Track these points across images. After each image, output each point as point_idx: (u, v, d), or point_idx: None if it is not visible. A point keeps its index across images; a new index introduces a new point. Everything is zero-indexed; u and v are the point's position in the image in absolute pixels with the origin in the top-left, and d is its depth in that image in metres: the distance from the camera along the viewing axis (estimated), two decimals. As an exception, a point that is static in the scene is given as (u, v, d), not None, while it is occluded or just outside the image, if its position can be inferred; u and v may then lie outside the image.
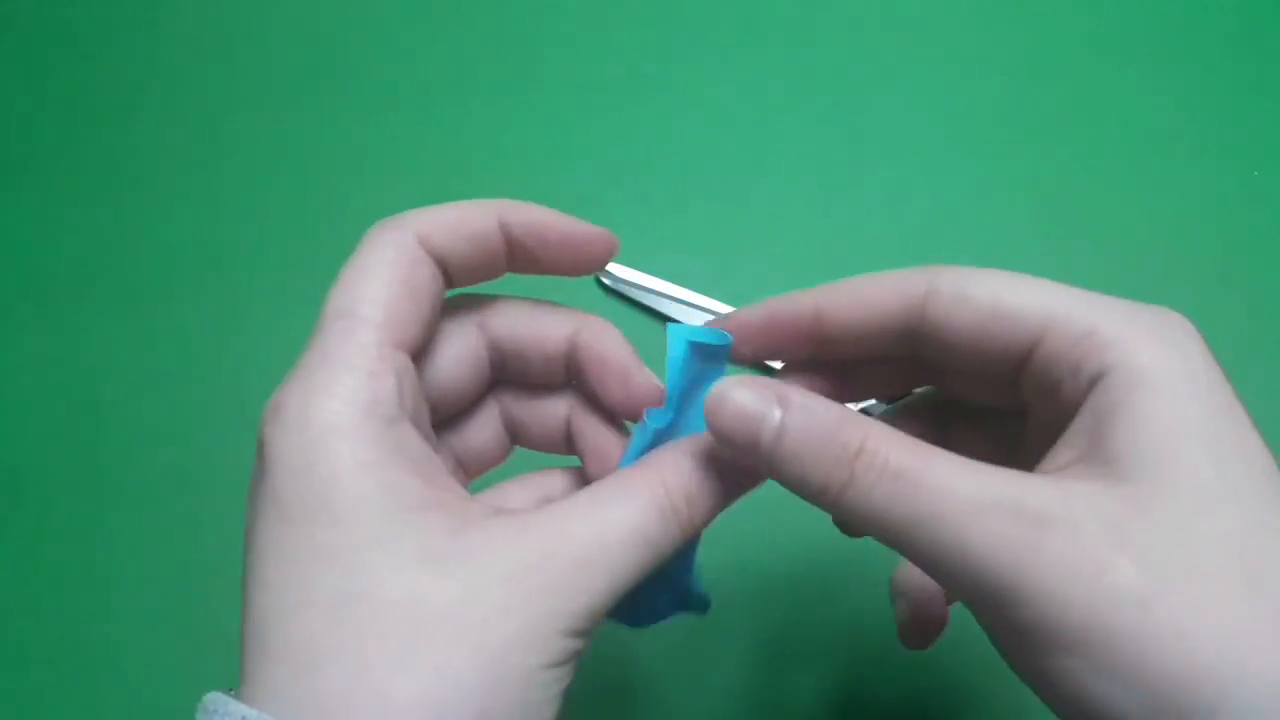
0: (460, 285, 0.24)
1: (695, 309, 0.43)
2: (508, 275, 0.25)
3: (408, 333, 0.22)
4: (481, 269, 0.24)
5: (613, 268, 0.43)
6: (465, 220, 0.23)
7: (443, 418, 0.25)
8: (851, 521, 0.20)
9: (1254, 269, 0.44)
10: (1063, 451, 0.21)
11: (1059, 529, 0.18)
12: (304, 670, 0.18)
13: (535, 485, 0.27)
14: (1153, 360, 0.20)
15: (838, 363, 0.26)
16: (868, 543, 0.22)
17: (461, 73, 0.50)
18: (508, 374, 0.26)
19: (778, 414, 0.20)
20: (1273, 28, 0.50)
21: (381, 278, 0.22)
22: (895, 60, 0.50)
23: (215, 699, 0.18)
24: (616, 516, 0.21)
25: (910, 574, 0.29)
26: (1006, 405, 0.25)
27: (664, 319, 0.43)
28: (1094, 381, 0.21)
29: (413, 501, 0.20)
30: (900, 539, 0.20)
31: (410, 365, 0.22)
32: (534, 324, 0.24)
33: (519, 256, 0.24)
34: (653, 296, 0.43)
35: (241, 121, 0.49)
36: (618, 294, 0.44)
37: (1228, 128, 0.48)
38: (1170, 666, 0.18)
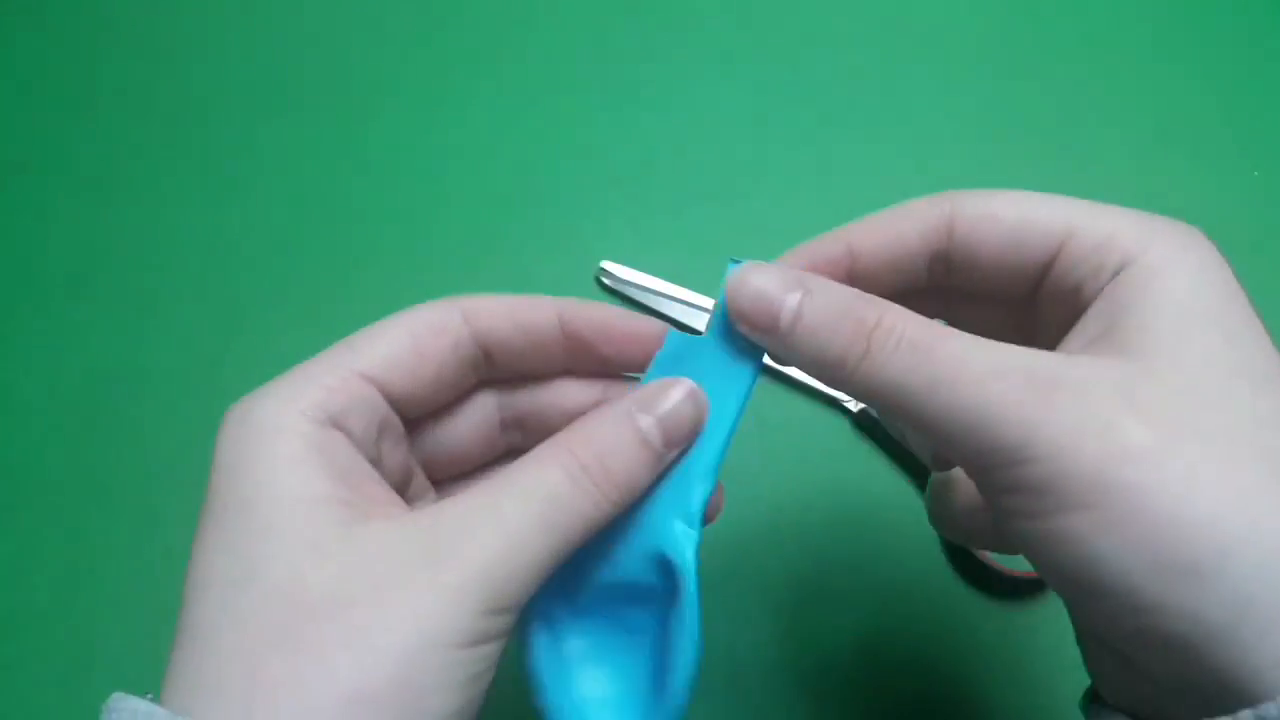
0: (508, 370, 0.25)
1: (694, 308, 0.43)
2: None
3: (395, 381, 0.23)
4: (531, 358, 0.25)
5: (611, 267, 0.43)
6: (519, 309, 0.24)
7: (425, 412, 0.25)
8: (865, 391, 0.21)
9: (1254, 269, 0.44)
10: (1075, 339, 0.22)
11: (1069, 390, 0.19)
12: (194, 652, 0.19)
13: None
14: (1169, 256, 0.21)
15: None
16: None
17: (462, 73, 0.50)
18: (499, 368, 0.25)
19: (796, 296, 0.21)
20: (1272, 28, 0.50)
21: (396, 330, 0.23)
22: (895, 60, 0.50)
23: (116, 696, 0.19)
24: (517, 483, 0.21)
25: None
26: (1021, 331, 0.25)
27: (663, 319, 0.43)
28: (1113, 277, 0.22)
29: (316, 495, 0.20)
30: (913, 404, 0.20)
31: (377, 398, 0.23)
32: (518, 312, 0.25)
33: (579, 351, 0.25)
34: (651, 296, 0.43)
35: (242, 121, 0.49)
36: (617, 294, 0.44)
37: (1228, 128, 0.48)
38: (1176, 520, 0.18)
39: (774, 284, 0.21)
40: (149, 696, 0.19)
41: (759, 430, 0.40)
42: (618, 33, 0.51)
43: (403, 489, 0.25)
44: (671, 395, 0.23)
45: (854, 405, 0.40)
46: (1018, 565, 0.37)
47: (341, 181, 0.47)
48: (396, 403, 0.23)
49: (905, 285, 0.25)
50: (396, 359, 0.23)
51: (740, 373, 0.24)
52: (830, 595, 0.37)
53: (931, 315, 0.26)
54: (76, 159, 0.48)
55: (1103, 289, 0.22)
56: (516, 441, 0.27)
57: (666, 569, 0.23)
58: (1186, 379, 0.19)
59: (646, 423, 0.22)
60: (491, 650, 0.20)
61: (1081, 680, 0.23)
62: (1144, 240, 0.22)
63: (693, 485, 0.23)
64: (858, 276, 0.25)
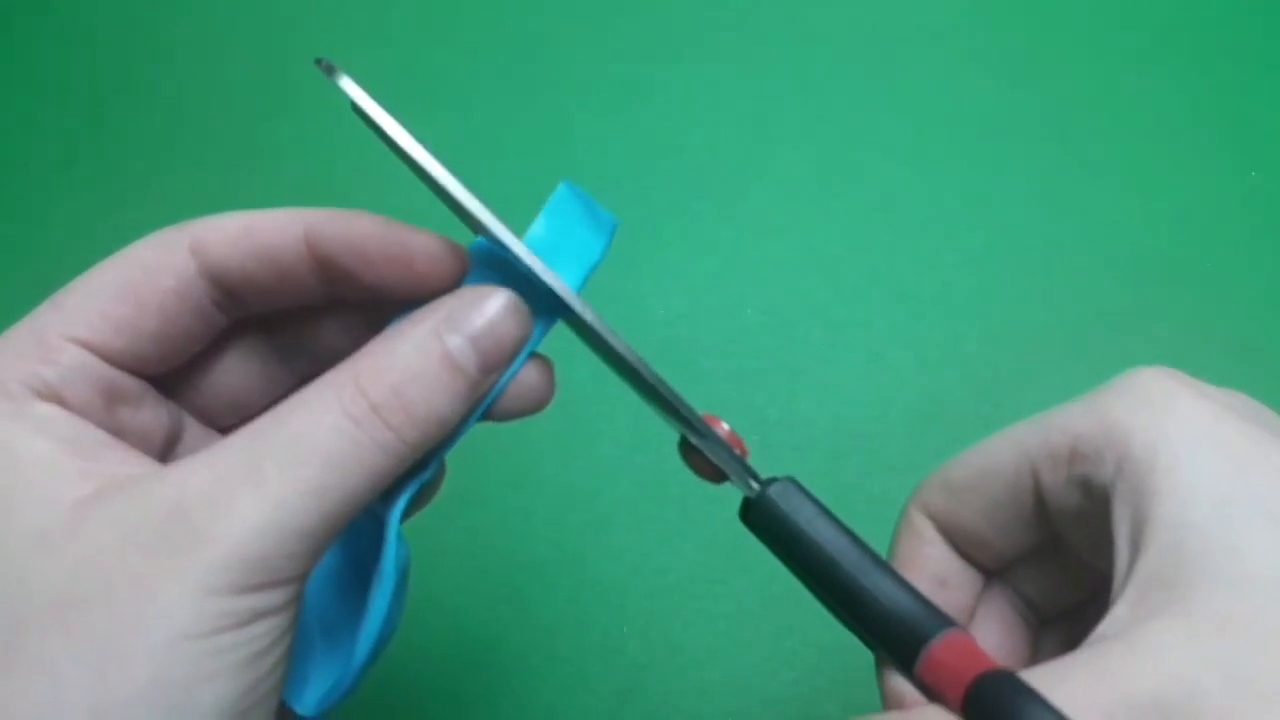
0: (257, 309, 0.21)
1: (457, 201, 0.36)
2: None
3: (111, 341, 0.19)
4: (278, 290, 0.20)
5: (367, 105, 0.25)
6: (252, 231, 0.20)
7: (170, 365, 0.21)
8: None
9: (1252, 269, 0.44)
10: (1118, 589, 0.18)
11: (1181, 715, 0.15)
12: None
13: None
14: (1150, 444, 0.18)
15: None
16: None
17: (462, 73, 0.50)
18: (248, 305, 0.21)
19: None
20: (1271, 28, 0.50)
21: (106, 279, 0.19)
22: (894, 61, 0.50)
23: None
24: (285, 434, 0.17)
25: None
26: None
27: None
28: (1107, 495, 0.18)
29: (37, 478, 0.17)
30: None
31: (93, 363, 0.19)
32: (254, 235, 0.20)
33: (338, 280, 0.20)
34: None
35: (243, 121, 0.49)
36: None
37: (1225, 128, 0.48)
38: None
39: None
40: None
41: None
42: (618, 33, 0.51)
43: (167, 451, 0.21)
44: (487, 306, 0.19)
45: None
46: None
47: (341, 181, 0.47)
48: (121, 363, 0.20)
49: (974, 579, 0.22)
50: (109, 314, 0.19)
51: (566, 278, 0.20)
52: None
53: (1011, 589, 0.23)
54: (77, 159, 0.48)
55: (1105, 508, 0.18)
56: (309, 372, 0.22)
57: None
58: (1257, 607, 0.15)
59: (456, 343, 0.18)
60: (267, 627, 0.17)
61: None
62: (1111, 434, 0.18)
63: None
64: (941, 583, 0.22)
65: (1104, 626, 0.17)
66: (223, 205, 0.50)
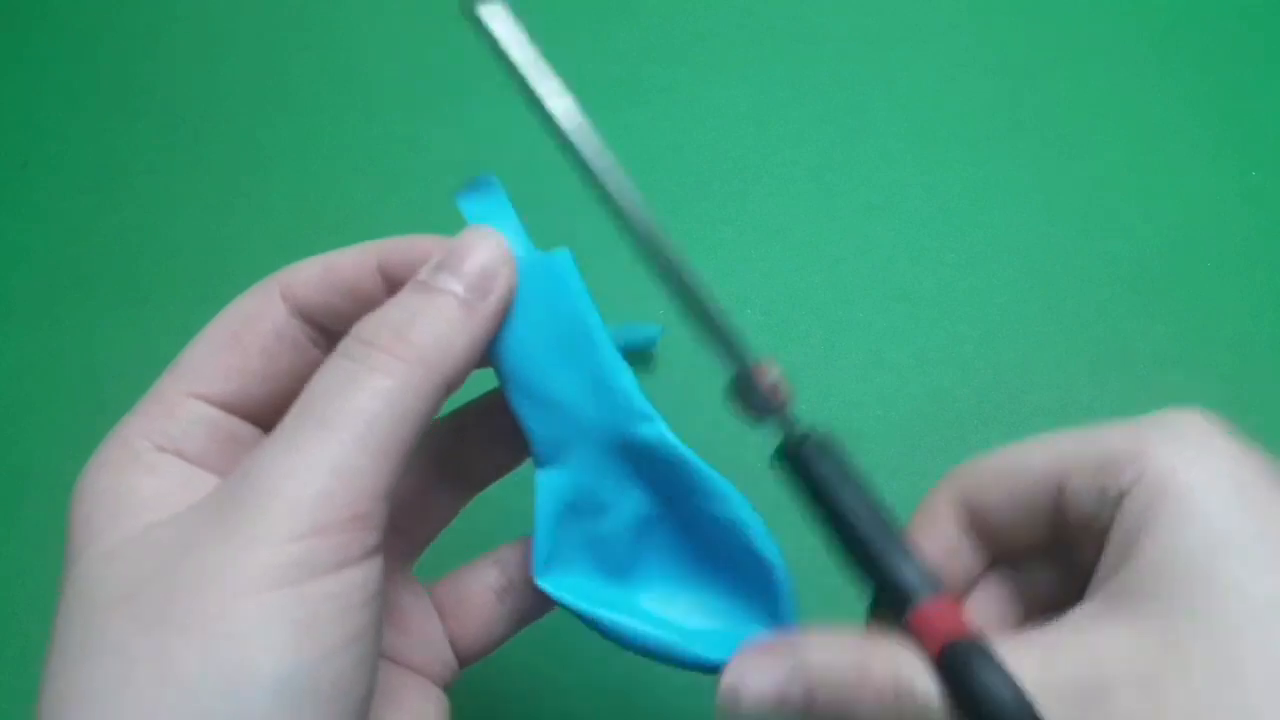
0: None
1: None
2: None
3: (223, 389, 0.21)
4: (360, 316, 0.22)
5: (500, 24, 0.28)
6: (332, 269, 0.22)
7: (283, 404, 0.22)
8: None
9: (1252, 269, 0.44)
10: (1096, 587, 0.20)
11: (1096, 707, 0.17)
12: (50, 676, 0.18)
13: None
14: (1171, 468, 0.19)
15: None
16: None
17: (462, 73, 0.50)
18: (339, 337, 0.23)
19: (798, 690, 0.19)
20: (1271, 28, 0.50)
21: (214, 335, 0.22)
22: (894, 61, 0.50)
23: None
24: (303, 395, 0.19)
25: None
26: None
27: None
28: (1117, 504, 0.19)
29: (132, 505, 0.19)
30: None
31: (210, 413, 0.21)
32: (334, 273, 0.22)
33: None
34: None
35: (244, 121, 0.49)
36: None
37: (1225, 128, 0.48)
38: None
39: (770, 684, 0.20)
40: None
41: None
42: (618, 33, 0.51)
43: None
44: (461, 241, 0.21)
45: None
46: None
47: (342, 181, 0.47)
48: (236, 409, 0.21)
49: (977, 561, 0.23)
50: (219, 364, 0.21)
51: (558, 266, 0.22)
52: None
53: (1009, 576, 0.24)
54: (77, 159, 0.48)
55: (1113, 518, 0.19)
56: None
57: (654, 476, 0.22)
58: (1211, 647, 0.17)
59: (439, 277, 0.20)
60: (336, 585, 0.17)
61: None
62: (1142, 452, 0.19)
63: (615, 390, 0.21)
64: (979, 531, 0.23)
65: (1068, 615, 0.19)
66: (223, 205, 0.50)
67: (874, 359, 0.42)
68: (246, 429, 0.22)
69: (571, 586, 0.22)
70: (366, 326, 0.19)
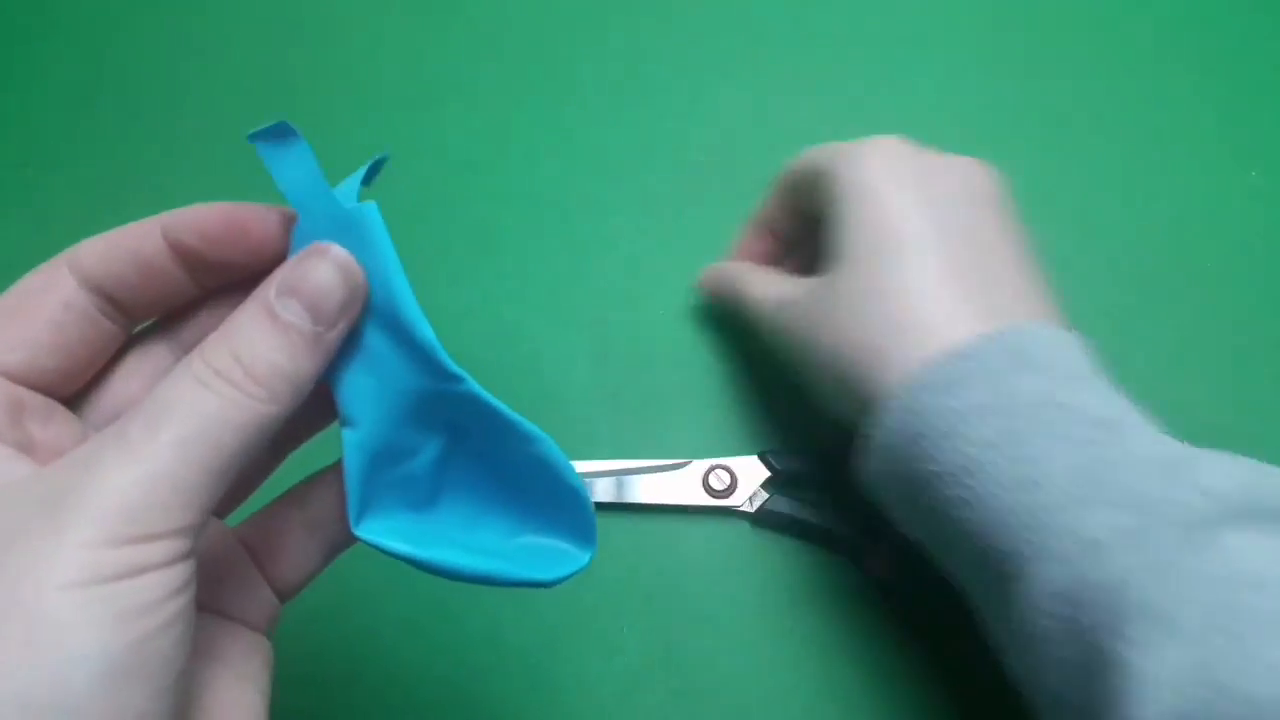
0: (143, 313, 0.23)
1: None
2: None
3: (5, 355, 0.21)
4: (157, 289, 0.22)
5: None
6: (118, 239, 0.22)
7: (76, 379, 0.23)
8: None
9: (1252, 269, 0.44)
10: (824, 256, 0.33)
11: (787, 310, 0.34)
12: None
13: None
14: (841, 184, 0.33)
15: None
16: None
17: (462, 73, 0.50)
18: (134, 311, 0.23)
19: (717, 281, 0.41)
20: (1270, 28, 0.51)
21: (3, 306, 0.22)
22: (894, 61, 0.50)
23: None
24: (146, 405, 0.19)
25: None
26: None
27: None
28: (829, 203, 0.33)
29: None
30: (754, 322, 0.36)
31: None
32: (120, 245, 0.22)
33: (196, 266, 0.22)
34: None
35: (242, 121, 0.49)
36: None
37: (1225, 128, 0.48)
38: (851, 337, 0.31)
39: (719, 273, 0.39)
40: None
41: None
42: (618, 34, 0.51)
43: None
44: (311, 268, 0.20)
45: (749, 506, 0.38)
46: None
47: (341, 181, 0.47)
48: (24, 379, 0.21)
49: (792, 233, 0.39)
50: (5, 337, 0.21)
51: (366, 217, 0.22)
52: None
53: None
54: (78, 158, 0.48)
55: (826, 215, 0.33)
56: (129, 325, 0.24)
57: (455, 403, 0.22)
58: (850, 279, 0.31)
59: (287, 306, 0.20)
60: (155, 581, 0.18)
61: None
62: (830, 175, 0.33)
63: (420, 348, 0.22)
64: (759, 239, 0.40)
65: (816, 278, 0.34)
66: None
67: (874, 359, 0.42)
68: (36, 398, 0.22)
69: (387, 530, 0.23)
70: (217, 354, 0.19)
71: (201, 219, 0.22)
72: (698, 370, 0.42)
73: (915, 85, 0.49)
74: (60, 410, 0.22)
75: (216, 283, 0.23)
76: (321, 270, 0.20)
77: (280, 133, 0.21)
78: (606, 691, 0.36)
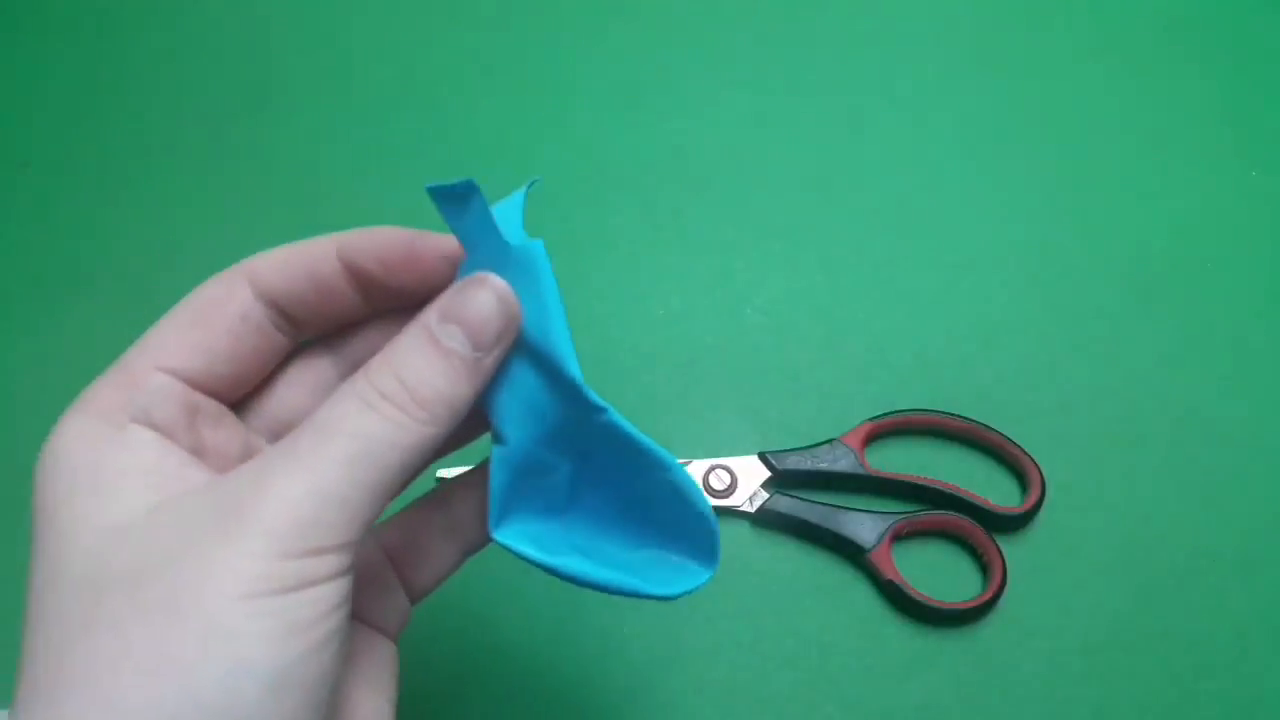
0: (312, 328, 0.24)
1: None
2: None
3: (189, 364, 0.22)
4: (326, 307, 0.23)
5: None
6: (298, 257, 0.23)
7: (243, 387, 0.24)
8: None
9: (1252, 269, 0.44)
10: None
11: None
12: (26, 658, 0.19)
13: None
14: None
15: None
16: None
17: (463, 74, 0.50)
18: (305, 325, 0.24)
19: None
20: (1270, 28, 0.51)
21: (180, 315, 0.22)
22: (894, 61, 0.50)
23: None
24: (315, 424, 0.20)
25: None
26: None
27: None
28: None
29: (115, 493, 0.20)
30: None
31: (174, 386, 0.22)
32: (297, 261, 0.23)
33: (371, 289, 0.23)
34: None
35: (243, 121, 0.49)
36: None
37: (1225, 128, 0.48)
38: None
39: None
40: None
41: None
42: (619, 34, 0.51)
43: None
44: (472, 296, 0.21)
45: (749, 506, 0.38)
46: (950, 598, 0.37)
47: (341, 181, 0.47)
48: (200, 385, 0.22)
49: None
50: (185, 341, 0.22)
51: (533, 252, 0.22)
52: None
53: None
54: (78, 158, 0.48)
55: None
56: (299, 339, 0.26)
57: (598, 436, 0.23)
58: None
59: (449, 332, 0.21)
60: (319, 594, 0.18)
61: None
62: None
63: (567, 381, 0.23)
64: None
65: None
66: (223, 205, 0.50)
67: (874, 359, 0.42)
68: (211, 404, 0.23)
69: (522, 535, 0.24)
70: (382, 377, 0.20)
71: (379, 244, 0.23)
72: (698, 370, 0.42)
73: (915, 85, 0.49)
74: (228, 415, 0.23)
75: (386, 305, 0.24)
76: (481, 298, 0.21)
77: (462, 189, 0.21)
78: (609, 689, 0.36)
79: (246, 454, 0.23)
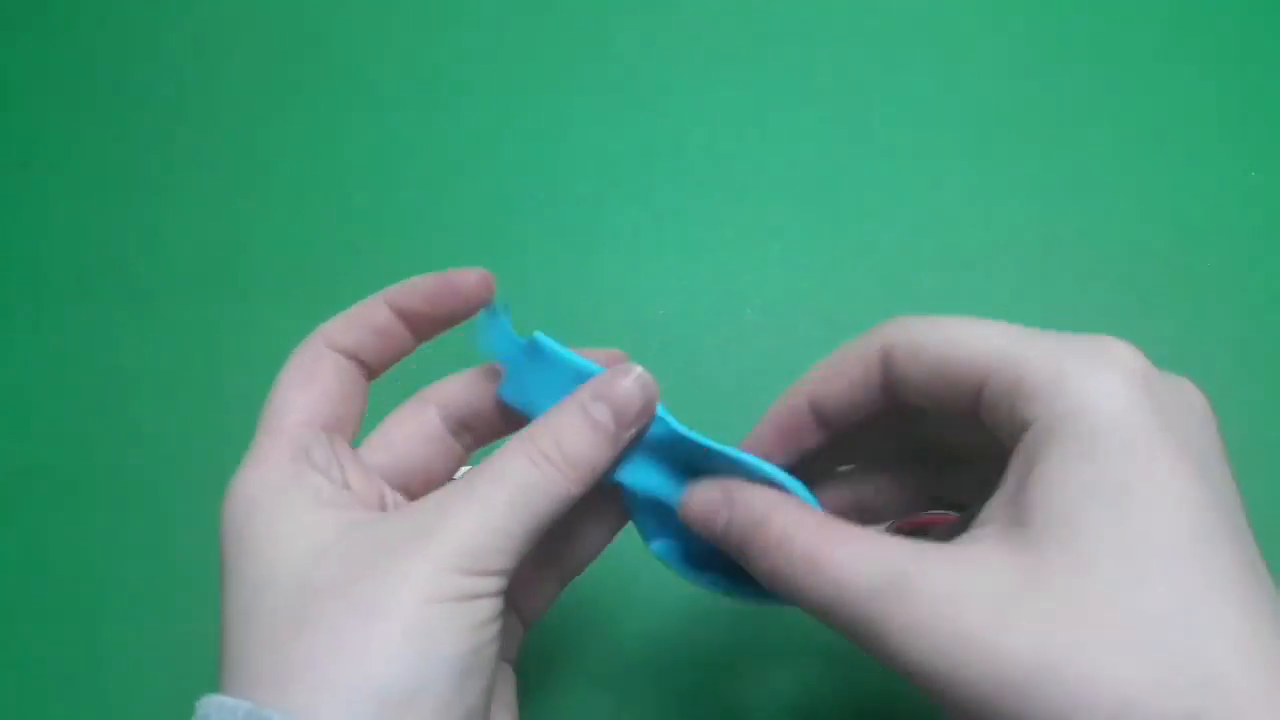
0: (382, 367, 0.29)
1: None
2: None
3: (317, 414, 0.26)
4: (390, 348, 0.28)
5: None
6: (360, 315, 0.28)
7: (349, 434, 0.29)
8: (782, 593, 0.23)
9: (1252, 269, 0.44)
10: (987, 511, 0.21)
11: (950, 609, 0.19)
12: (238, 654, 0.22)
13: None
14: (1070, 410, 0.20)
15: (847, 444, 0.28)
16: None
17: (462, 73, 0.50)
18: (375, 370, 0.29)
19: (725, 513, 0.25)
20: (1269, 28, 0.50)
21: (291, 383, 0.27)
22: (894, 61, 0.50)
23: (207, 701, 0.22)
24: (489, 470, 0.24)
25: None
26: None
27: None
28: (1019, 436, 0.21)
29: (309, 514, 0.24)
30: (823, 618, 0.22)
31: (322, 435, 0.26)
32: (362, 319, 0.28)
33: (418, 324, 0.28)
34: None
35: (243, 121, 0.49)
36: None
37: (1225, 128, 0.48)
38: None
39: (707, 503, 0.26)
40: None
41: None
42: (619, 34, 0.51)
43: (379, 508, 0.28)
44: (621, 382, 0.26)
45: None
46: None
47: (342, 181, 0.47)
48: (328, 430, 0.27)
49: (873, 410, 0.26)
50: (307, 401, 0.27)
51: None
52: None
53: (912, 433, 0.27)
54: (77, 158, 0.48)
55: (1018, 440, 0.21)
56: (470, 444, 0.31)
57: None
58: (1073, 576, 0.19)
59: (598, 409, 0.25)
60: (486, 606, 0.23)
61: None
62: (1048, 386, 0.21)
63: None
64: (823, 419, 0.27)
65: (975, 531, 0.21)
66: (223, 205, 0.50)
67: (874, 359, 0.42)
68: (343, 446, 0.27)
69: (665, 549, 0.29)
70: (545, 440, 0.25)
71: (420, 287, 0.28)
72: (697, 370, 0.42)
73: (915, 85, 0.49)
74: (351, 452, 0.28)
75: (430, 335, 0.29)
76: (626, 382, 0.26)
77: (494, 318, 0.28)
78: (610, 688, 0.36)
79: (377, 497, 0.28)
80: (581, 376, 0.26)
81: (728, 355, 0.43)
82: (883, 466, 0.29)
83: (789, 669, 0.37)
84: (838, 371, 0.26)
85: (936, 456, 0.28)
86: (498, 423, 0.30)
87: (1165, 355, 0.42)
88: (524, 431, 0.25)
